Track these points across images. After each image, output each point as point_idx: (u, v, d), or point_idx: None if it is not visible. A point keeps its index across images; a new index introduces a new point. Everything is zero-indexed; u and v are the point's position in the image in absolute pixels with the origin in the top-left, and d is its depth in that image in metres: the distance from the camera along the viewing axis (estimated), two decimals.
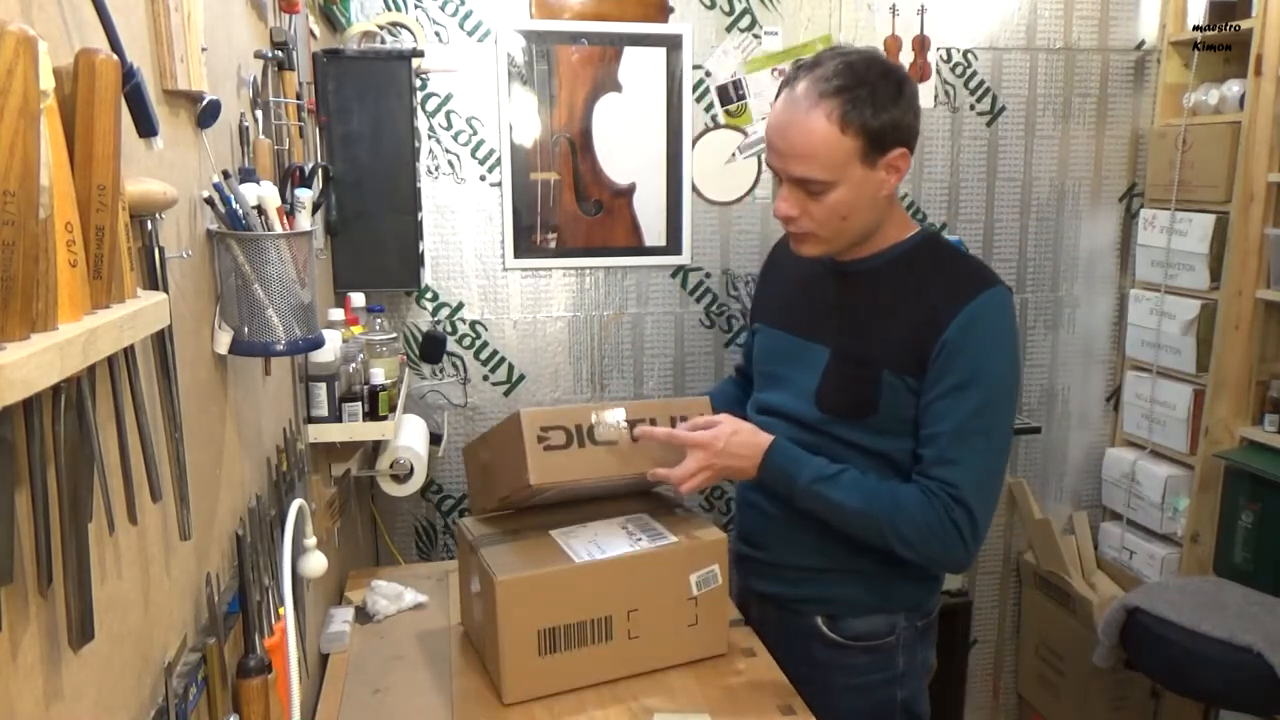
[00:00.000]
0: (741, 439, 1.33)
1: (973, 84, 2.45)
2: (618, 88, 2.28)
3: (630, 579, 1.32)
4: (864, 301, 1.34)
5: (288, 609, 1.06)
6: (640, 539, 1.36)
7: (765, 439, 1.33)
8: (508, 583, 1.25)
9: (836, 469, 1.31)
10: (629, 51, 2.26)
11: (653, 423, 1.37)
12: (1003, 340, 1.27)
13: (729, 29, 2.31)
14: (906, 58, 2.39)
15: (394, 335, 1.79)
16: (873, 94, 1.19)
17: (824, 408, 1.35)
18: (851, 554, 1.35)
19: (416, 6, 2.17)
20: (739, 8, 2.30)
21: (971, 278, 1.29)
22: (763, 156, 2.32)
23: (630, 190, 2.33)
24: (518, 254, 2.30)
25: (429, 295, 2.29)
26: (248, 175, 1.05)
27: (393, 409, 1.66)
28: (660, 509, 1.47)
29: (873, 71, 1.20)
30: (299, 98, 1.45)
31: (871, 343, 1.31)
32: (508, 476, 1.35)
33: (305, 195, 1.09)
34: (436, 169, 2.24)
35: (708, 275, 2.41)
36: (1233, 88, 2.29)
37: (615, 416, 1.36)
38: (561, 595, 1.28)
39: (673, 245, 2.37)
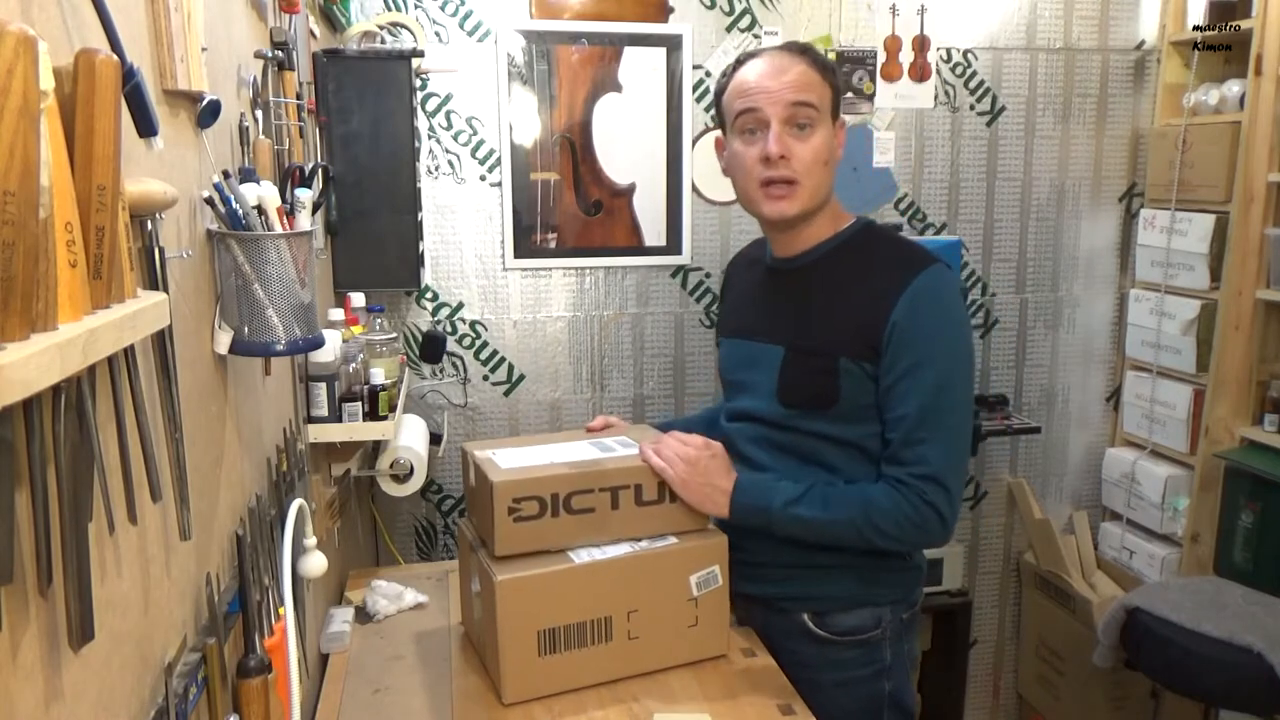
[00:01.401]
0: (718, 465, 1.37)
1: (973, 84, 2.45)
2: (618, 88, 2.28)
3: (630, 580, 1.32)
4: (809, 295, 1.38)
5: (288, 609, 1.06)
6: (640, 540, 1.36)
7: (734, 475, 1.37)
8: (508, 583, 1.25)
9: (803, 487, 1.33)
10: (629, 51, 2.26)
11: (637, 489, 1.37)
12: (950, 314, 1.31)
13: (729, 29, 2.31)
14: (906, 58, 2.39)
15: (394, 335, 1.79)
16: (826, 61, 1.35)
17: (786, 402, 1.37)
18: (832, 549, 1.36)
19: (416, 6, 2.17)
20: (739, 8, 2.30)
21: (911, 258, 1.33)
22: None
23: (630, 190, 2.33)
24: (518, 254, 2.30)
25: (429, 295, 2.29)
26: (248, 175, 1.05)
27: (393, 409, 1.66)
28: None
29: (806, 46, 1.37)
30: (299, 98, 1.45)
31: (823, 333, 1.34)
32: (483, 526, 1.34)
33: (305, 195, 1.09)
34: (436, 169, 2.24)
35: (708, 275, 2.41)
36: (1233, 88, 2.29)
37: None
38: (561, 596, 1.28)
39: (673, 245, 2.37)
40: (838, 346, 1.32)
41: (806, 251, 1.39)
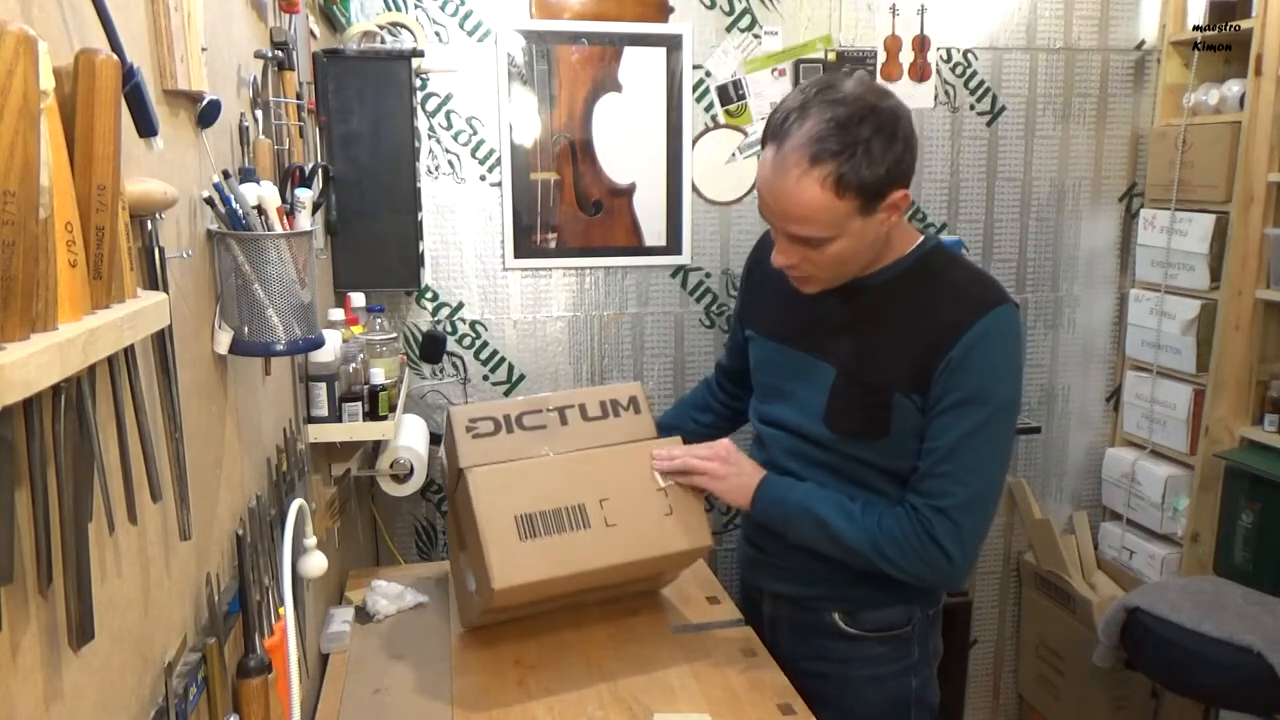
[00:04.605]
0: (745, 462, 1.41)
1: (973, 84, 2.45)
2: (618, 88, 2.28)
3: (594, 470, 1.39)
4: (869, 320, 1.32)
5: (288, 609, 1.06)
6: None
7: (760, 471, 1.40)
8: (479, 472, 1.34)
9: (826, 494, 1.34)
10: (629, 51, 2.26)
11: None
12: (1008, 359, 1.26)
13: (729, 29, 2.31)
14: (906, 58, 2.39)
15: (394, 335, 1.79)
16: (867, 152, 1.15)
17: (836, 429, 1.34)
18: None
19: (416, 6, 2.17)
20: (739, 8, 2.30)
21: (979, 294, 1.27)
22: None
23: (630, 190, 2.33)
24: (518, 254, 2.30)
25: (429, 295, 2.29)
26: (248, 175, 1.05)
27: (393, 409, 1.66)
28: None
29: (866, 126, 1.15)
30: (299, 98, 1.45)
31: (880, 365, 1.29)
32: (450, 463, 1.44)
33: (305, 195, 1.09)
34: (436, 169, 2.24)
35: (708, 275, 2.41)
36: (1233, 88, 2.29)
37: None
38: (531, 483, 1.35)
39: (673, 245, 2.37)
40: (895, 382, 1.27)
41: (875, 274, 1.32)
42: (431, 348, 2.18)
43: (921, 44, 2.40)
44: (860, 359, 1.32)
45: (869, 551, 1.29)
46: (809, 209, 1.18)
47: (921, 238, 1.34)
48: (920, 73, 2.40)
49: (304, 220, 1.09)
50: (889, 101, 1.19)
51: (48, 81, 0.55)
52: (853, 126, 1.15)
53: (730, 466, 1.39)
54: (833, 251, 1.23)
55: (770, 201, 1.23)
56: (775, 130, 1.21)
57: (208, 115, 0.97)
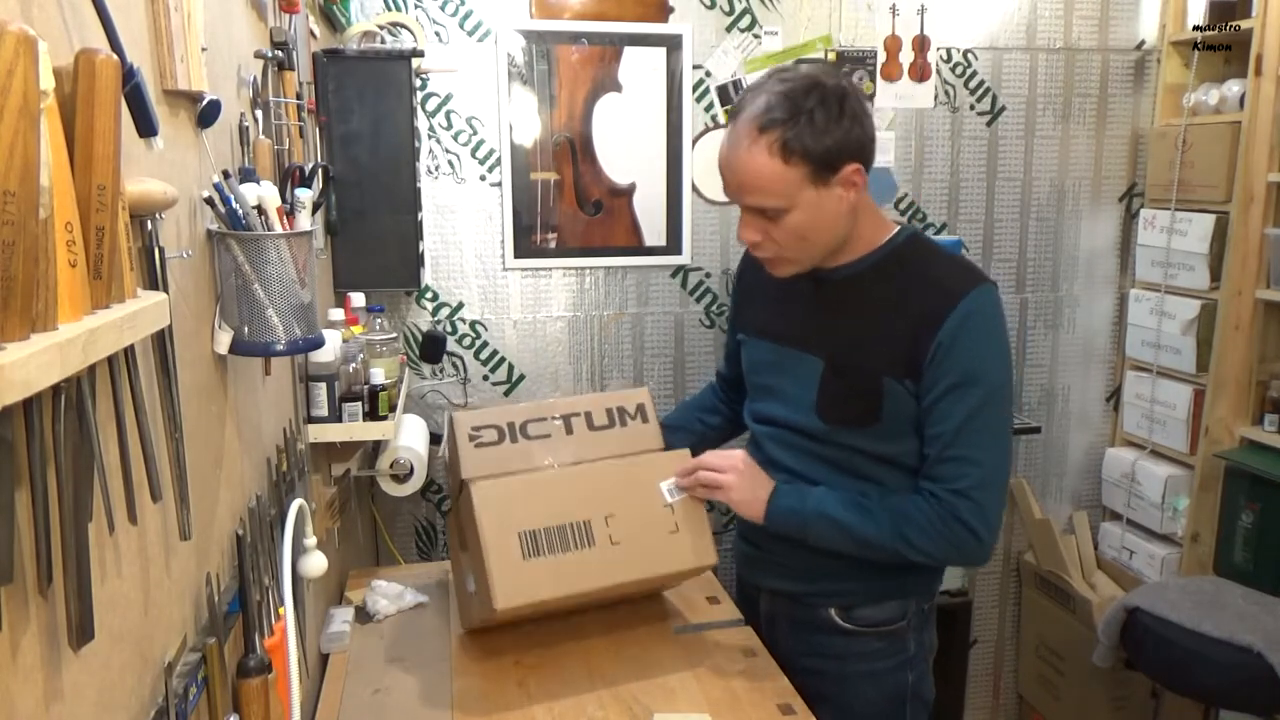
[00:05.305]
0: (759, 475, 1.39)
1: (973, 84, 2.45)
2: (618, 88, 2.28)
3: (600, 485, 1.36)
4: (851, 309, 1.35)
5: (288, 609, 1.06)
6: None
7: (771, 482, 1.38)
8: (484, 486, 1.31)
9: (838, 495, 1.33)
10: (629, 51, 2.26)
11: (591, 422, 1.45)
12: (995, 336, 1.30)
13: (729, 29, 2.31)
14: (906, 58, 2.39)
15: (394, 335, 1.79)
16: (810, 121, 1.21)
17: (828, 420, 1.35)
18: None
19: (416, 6, 2.16)
20: (739, 8, 2.30)
21: (958, 277, 1.30)
22: None
23: (630, 190, 2.33)
24: (518, 254, 2.30)
25: (429, 295, 2.29)
26: (248, 175, 1.05)
27: (393, 409, 1.66)
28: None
29: (810, 98, 1.21)
30: (299, 98, 1.45)
31: (865, 352, 1.32)
32: (452, 470, 1.41)
33: (305, 195, 1.09)
34: (436, 169, 2.24)
35: (708, 275, 2.41)
36: (1233, 88, 2.29)
37: (671, 493, 1.41)
38: (536, 498, 1.33)
39: (673, 245, 2.37)
40: (882, 366, 1.30)
41: (846, 264, 1.35)
42: (431, 348, 2.18)
43: (921, 44, 2.40)
44: (846, 348, 1.34)
45: (895, 543, 1.30)
46: (759, 176, 1.24)
47: (897, 228, 1.37)
48: (920, 73, 2.40)
49: (304, 220, 1.09)
50: (836, 80, 1.25)
51: (48, 81, 0.55)
52: (798, 98, 1.22)
53: (745, 479, 1.38)
54: (790, 224, 1.27)
55: (727, 176, 1.30)
56: (735, 107, 1.29)
57: (208, 115, 0.97)
